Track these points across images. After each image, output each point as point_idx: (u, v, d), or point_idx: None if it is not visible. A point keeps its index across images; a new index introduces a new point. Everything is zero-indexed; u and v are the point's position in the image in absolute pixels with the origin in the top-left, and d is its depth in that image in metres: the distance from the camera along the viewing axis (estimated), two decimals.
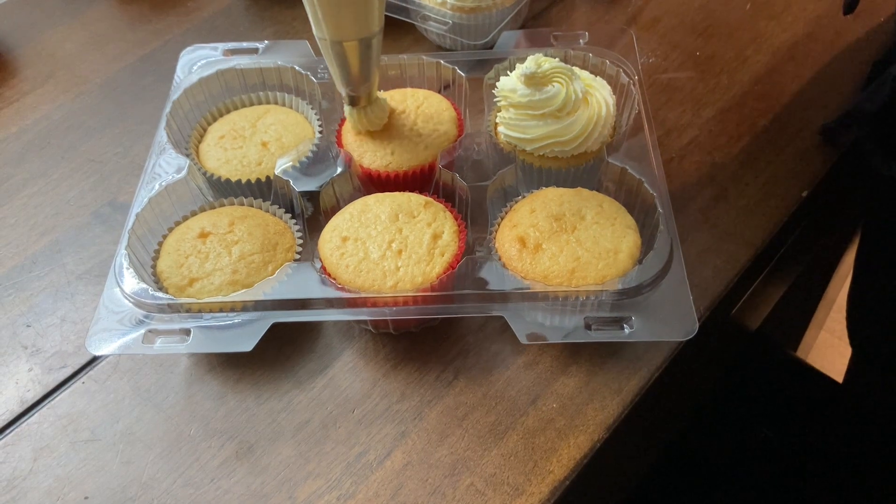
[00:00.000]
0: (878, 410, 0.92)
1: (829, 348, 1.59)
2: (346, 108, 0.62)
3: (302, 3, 0.54)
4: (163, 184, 0.61)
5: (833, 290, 1.48)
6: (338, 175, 0.62)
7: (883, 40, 0.80)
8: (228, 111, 0.69)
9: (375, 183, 0.64)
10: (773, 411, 0.92)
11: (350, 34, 0.55)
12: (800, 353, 1.41)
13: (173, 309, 0.54)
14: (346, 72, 0.58)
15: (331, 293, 0.54)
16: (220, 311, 0.54)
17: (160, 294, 0.54)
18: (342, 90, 0.60)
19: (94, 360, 0.60)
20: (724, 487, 0.85)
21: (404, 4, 0.77)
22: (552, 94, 0.59)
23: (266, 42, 0.74)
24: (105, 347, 0.53)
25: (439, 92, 0.69)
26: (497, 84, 0.63)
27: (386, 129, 0.64)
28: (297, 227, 0.61)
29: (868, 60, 0.78)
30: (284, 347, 0.60)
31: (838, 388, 0.95)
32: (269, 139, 0.65)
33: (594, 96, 0.61)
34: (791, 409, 0.92)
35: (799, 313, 1.45)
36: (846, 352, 1.06)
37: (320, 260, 0.57)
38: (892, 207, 0.85)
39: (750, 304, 0.77)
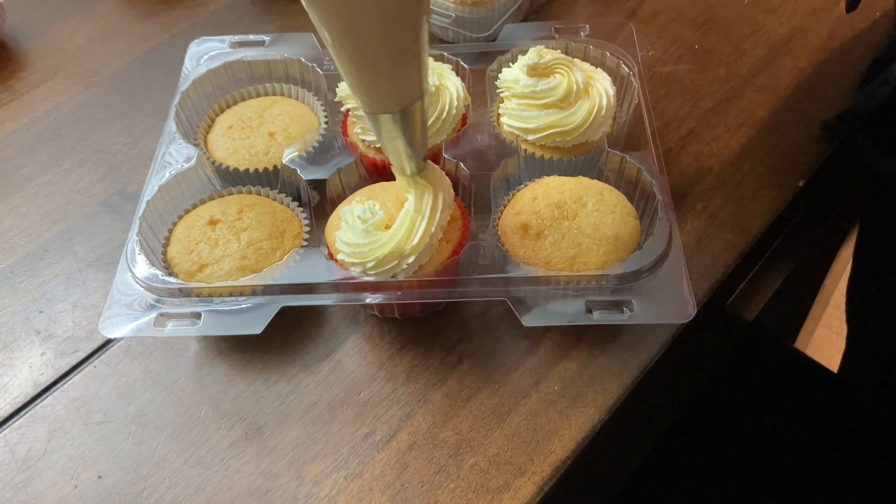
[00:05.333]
0: (873, 399, 0.93)
1: (826, 343, 1.59)
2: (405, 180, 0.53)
3: None
4: (172, 172, 0.63)
5: (829, 286, 1.48)
6: (344, 164, 0.63)
7: (881, 36, 0.81)
8: (236, 102, 0.70)
9: (381, 172, 0.65)
10: (771, 400, 0.94)
11: (416, 91, 0.46)
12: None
13: (184, 293, 0.55)
14: (414, 137, 0.49)
15: (337, 277, 0.55)
16: (230, 295, 0.55)
17: (171, 279, 0.55)
18: (412, 163, 0.51)
19: (105, 345, 0.61)
20: (723, 473, 0.86)
21: None
22: (554, 84, 0.61)
23: (272, 35, 0.75)
24: (117, 330, 0.55)
25: None
26: (500, 75, 0.64)
27: None
28: (304, 215, 0.62)
29: (864, 54, 0.79)
30: (292, 333, 0.61)
31: (835, 378, 0.96)
32: (276, 129, 0.67)
33: (595, 87, 0.63)
34: (789, 399, 0.94)
35: (795, 308, 1.46)
36: (843, 347, 1.08)
37: (327, 246, 0.58)
38: (888, 201, 0.87)
39: (747, 293, 0.78)
